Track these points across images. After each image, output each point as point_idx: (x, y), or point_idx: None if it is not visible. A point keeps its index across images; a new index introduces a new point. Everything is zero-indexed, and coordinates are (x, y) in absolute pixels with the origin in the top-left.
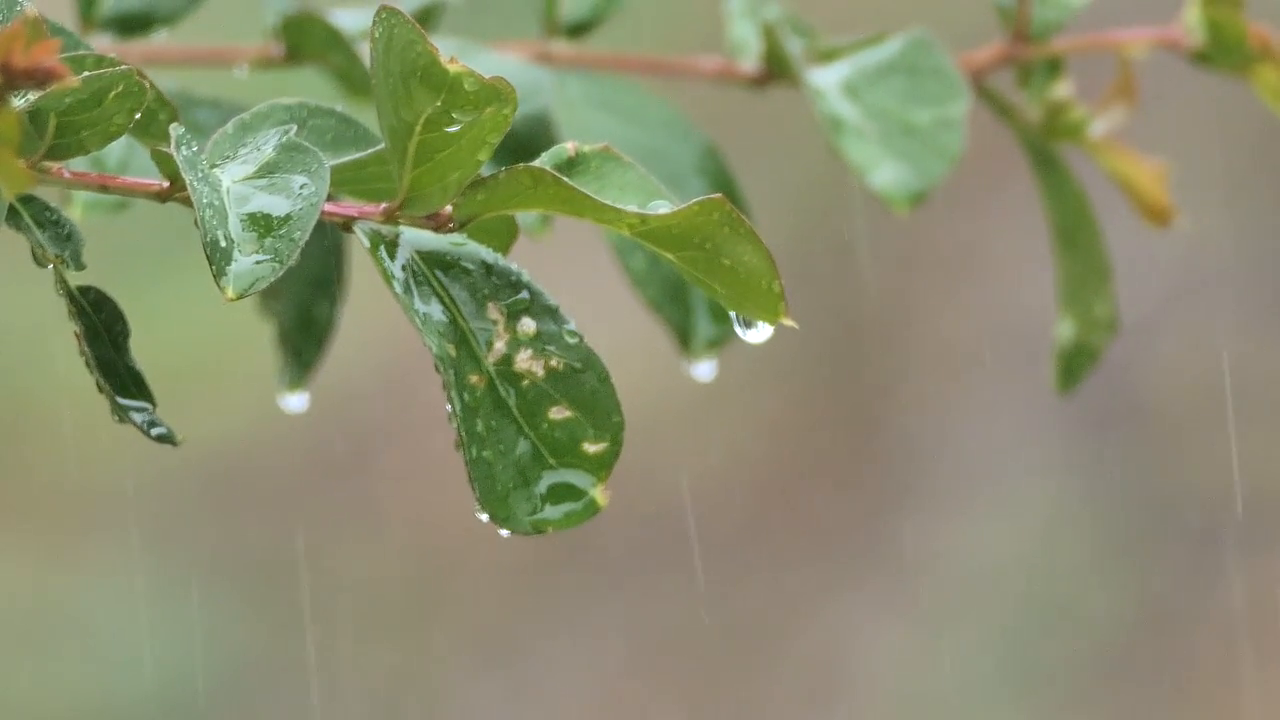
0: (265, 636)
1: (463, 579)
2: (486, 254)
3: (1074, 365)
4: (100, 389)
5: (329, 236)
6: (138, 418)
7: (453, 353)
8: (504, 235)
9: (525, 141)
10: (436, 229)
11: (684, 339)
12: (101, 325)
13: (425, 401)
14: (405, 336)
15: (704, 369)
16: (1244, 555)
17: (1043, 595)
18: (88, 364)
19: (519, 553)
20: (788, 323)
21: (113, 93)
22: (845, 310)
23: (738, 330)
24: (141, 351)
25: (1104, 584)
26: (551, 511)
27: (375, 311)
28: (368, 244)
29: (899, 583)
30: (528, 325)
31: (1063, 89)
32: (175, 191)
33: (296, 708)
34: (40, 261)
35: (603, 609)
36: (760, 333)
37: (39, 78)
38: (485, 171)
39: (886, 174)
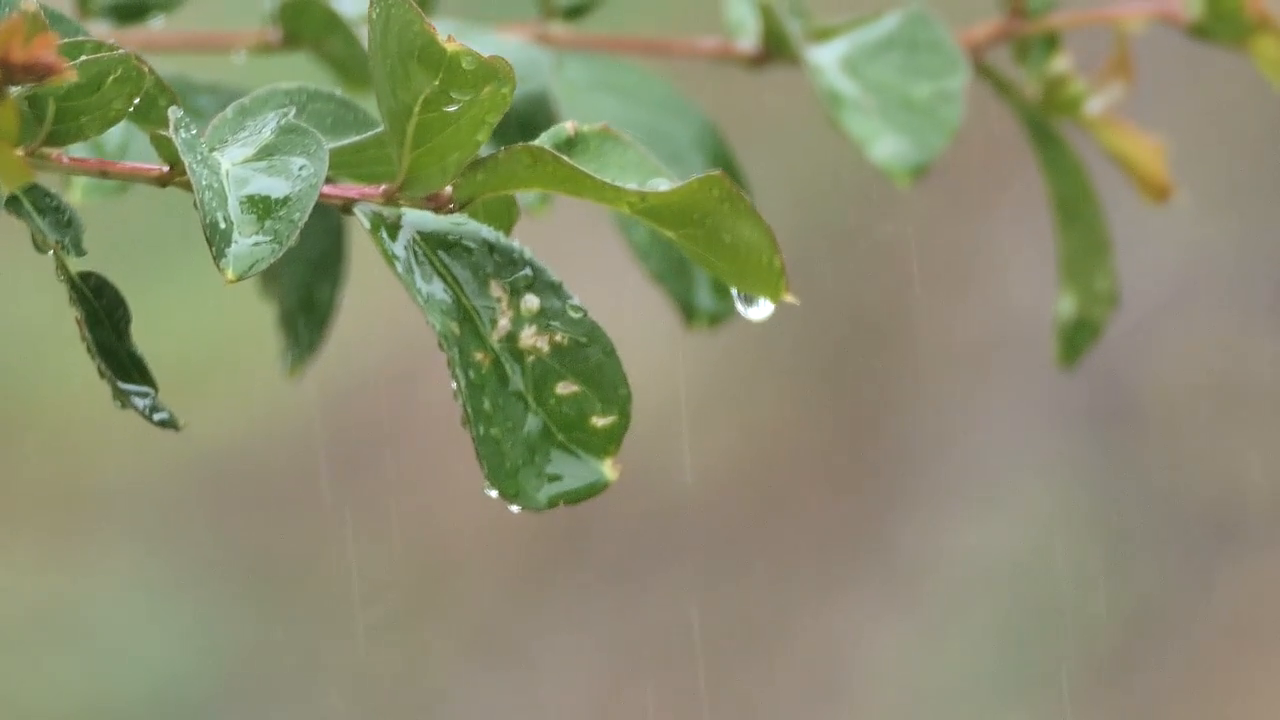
0: (266, 635)
1: (463, 577)
2: (488, 233)
3: (1075, 340)
4: (101, 374)
5: (330, 218)
6: (139, 403)
7: (457, 331)
8: (504, 215)
9: (525, 121)
10: (437, 210)
11: (687, 312)
12: (102, 310)
13: (427, 398)
14: (409, 331)
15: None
16: (1243, 554)
17: (1042, 595)
18: (89, 349)
19: (519, 551)
20: (789, 299)
21: (111, 77)
22: (846, 309)
23: (739, 308)
24: (143, 347)
25: (1103, 583)
26: (561, 487)
27: (378, 306)
28: (368, 226)
29: (898, 582)
30: (531, 302)
31: (1060, 64)
32: (175, 176)
33: (296, 707)
34: (40, 247)
35: (602, 608)
36: (762, 309)
37: (38, 73)
38: (485, 151)
39: (887, 147)
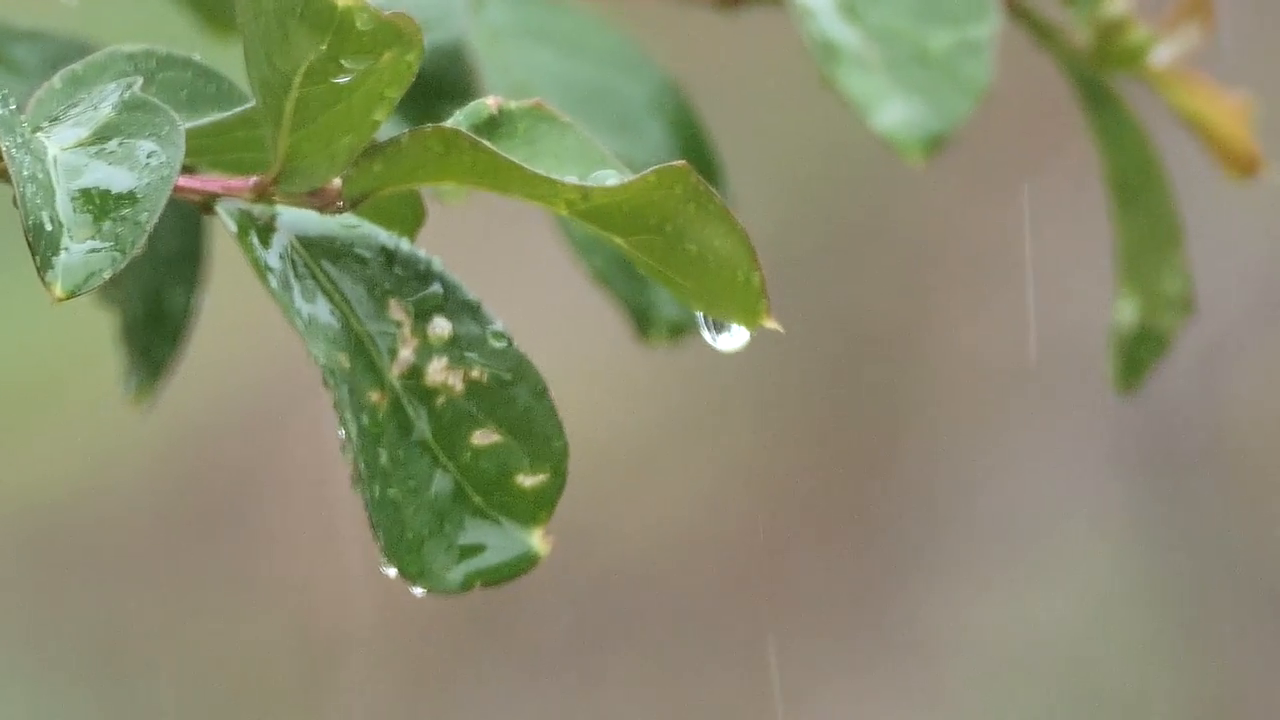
0: None
1: (355, 665)
2: (387, 239)
3: (1138, 356)
4: None
5: (187, 208)
6: None
7: (346, 364)
8: (408, 215)
9: (433, 81)
10: (322, 208)
11: (642, 321)
12: None
13: (311, 437)
14: (287, 349)
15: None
16: None
17: (1093, 681)
18: None
19: (429, 628)
20: (770, 325)
21: None
22: (846, 320)
23: (707, 336)
24: None
25: (1169, 668)
26: (478, 563)
27: (247, 317)
28: (234, 228)
29: (914, 666)
30: (441, 327)
31: (1118, 4)
32: None
33: None
34: None
35: (534, 701)
36: (735, 338)
37: None
38: (384, 134)
39: (895, 112)
